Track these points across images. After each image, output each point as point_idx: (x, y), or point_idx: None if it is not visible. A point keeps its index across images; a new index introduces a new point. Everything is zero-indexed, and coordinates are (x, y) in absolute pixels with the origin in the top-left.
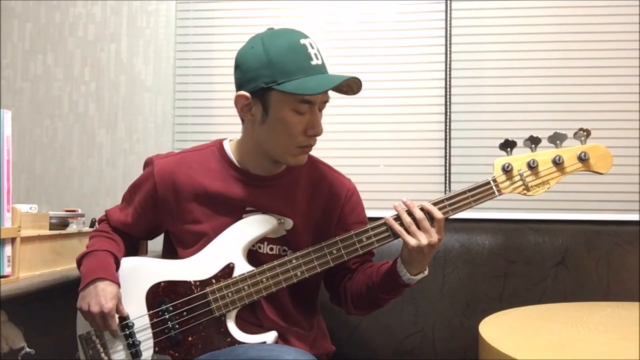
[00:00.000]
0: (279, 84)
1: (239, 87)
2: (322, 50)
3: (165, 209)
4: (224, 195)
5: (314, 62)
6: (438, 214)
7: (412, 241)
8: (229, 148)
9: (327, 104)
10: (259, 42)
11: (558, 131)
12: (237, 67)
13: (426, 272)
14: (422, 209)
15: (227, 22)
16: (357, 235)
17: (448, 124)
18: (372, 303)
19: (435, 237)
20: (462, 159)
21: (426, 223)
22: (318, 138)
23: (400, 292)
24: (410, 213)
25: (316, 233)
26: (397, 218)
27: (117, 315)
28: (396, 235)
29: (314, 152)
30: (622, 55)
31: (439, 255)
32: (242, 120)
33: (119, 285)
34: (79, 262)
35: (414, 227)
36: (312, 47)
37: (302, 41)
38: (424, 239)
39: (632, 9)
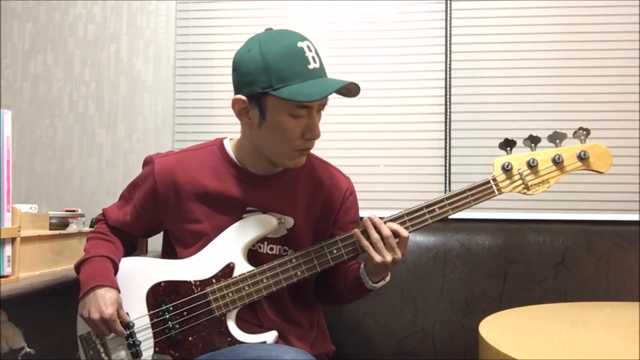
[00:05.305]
0: (275, 89)
1: (236, 89)
2: (322, 51)
3: (165, 208)
4: (225, 195)
5: (311, 65)
6: (404, 232)
7: (377, 257)
8: (229, 147)
9: (328, 104)
10: (256, 45)
11: (558, 130)
12: (235, 69)
13: (387, 279)
14: (389, 227)
15: (227, 22)
16: None
17: (448, 124)
18: (341, 299)
19: (399, 254)
20: (462, 159)
21: (392, 240)
22: (318, 138)
23: (365, 295)
24: (378, 230)
25: (316, 231)
26: (365, 232)
27: (118, 320)
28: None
29: (314, 152)
30: (622, 55)
31: (439, 255)
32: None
33: (118, 290)
34: (77, 269)
35: (380, 244)
36: (310, 50)
37: (300, 44)
38: (388, 257)
39: (632, 9)
